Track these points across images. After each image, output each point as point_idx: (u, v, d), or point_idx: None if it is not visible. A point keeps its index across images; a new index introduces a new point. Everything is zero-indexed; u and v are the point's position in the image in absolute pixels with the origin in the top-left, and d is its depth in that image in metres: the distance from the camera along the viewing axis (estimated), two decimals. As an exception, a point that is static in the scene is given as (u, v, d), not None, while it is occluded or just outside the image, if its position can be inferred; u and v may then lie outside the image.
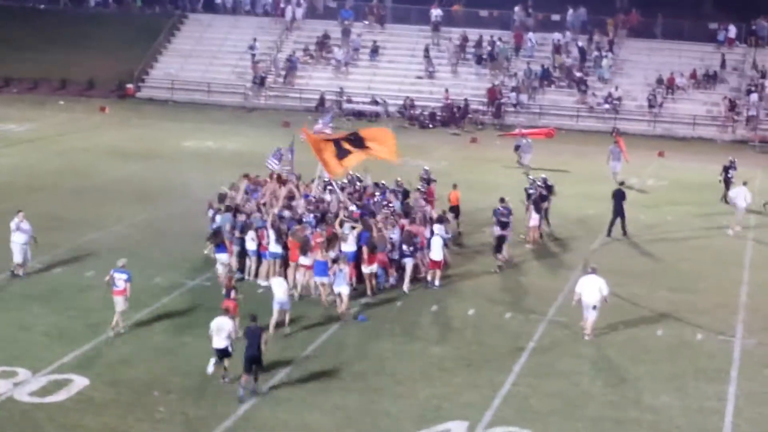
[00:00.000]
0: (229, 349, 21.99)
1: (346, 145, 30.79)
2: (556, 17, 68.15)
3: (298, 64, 65.55)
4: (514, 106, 61.26)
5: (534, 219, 33.37)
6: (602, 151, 51.14)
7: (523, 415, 20.93)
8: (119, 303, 24.47)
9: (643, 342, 25.31)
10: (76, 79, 65.62)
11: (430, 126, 58.67)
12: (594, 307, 25.00)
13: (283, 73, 65.05)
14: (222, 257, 28.26)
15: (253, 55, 66.18)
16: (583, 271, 26.95)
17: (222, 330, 21.91)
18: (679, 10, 65.89)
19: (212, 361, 22.25)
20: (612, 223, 35.11)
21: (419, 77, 64.64)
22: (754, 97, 59.73)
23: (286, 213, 29.35)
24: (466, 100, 60.71)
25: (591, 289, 25.01)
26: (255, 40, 66.97)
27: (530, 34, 66.06)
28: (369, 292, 27.92)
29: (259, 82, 64.04)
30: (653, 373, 23.35)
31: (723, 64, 62.85)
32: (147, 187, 40.18)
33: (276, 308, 24.79)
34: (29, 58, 67.17)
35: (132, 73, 65.44)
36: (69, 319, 25.20)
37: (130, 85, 65.02)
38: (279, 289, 24.97)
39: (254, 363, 21.48)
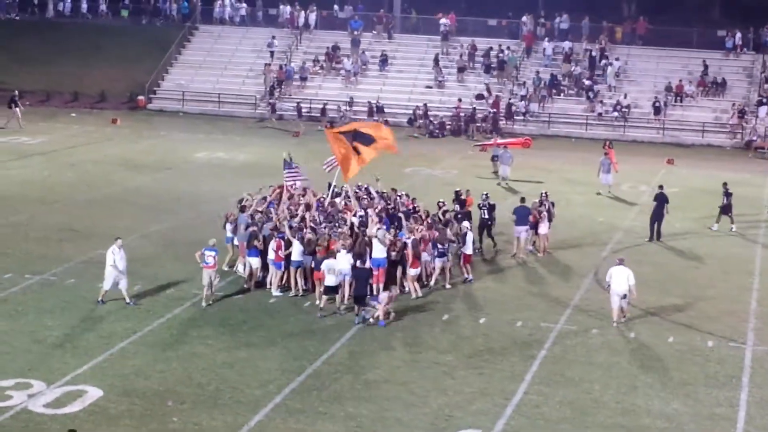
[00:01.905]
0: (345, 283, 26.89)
1: (359, 145, 31.47)
2: (564, 26, 68.40)
3: (308, 74, 65.84)
4: (524, 114, 61.37)
5: (543, 227, 33.51)
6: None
7: (534, 423, 21.00)
8: (208, 276, 27.36)
9: (653, 349, 25.37)
10: (88, 92, 66.01)
11: (440, 135, 58.76)
12: (624, 296, 26.56)
13: (272, 83, 65.17)
14: (253, 261, 28.58)
15: (272, 53, 66.79)
16: (613, 263, 27.98)
17: (332, 269, 26.67)
18: (687, 17, 65.92)
19: (323, 298, 27.02)
20: (659, 227, 35.97)
21: (428, 87, 64.79)
22: (763, 110, 59.31)
23: (295, 222, 29.57)
24: (474, 108, 60.83)
25: (620, 278, 26.62)
26: (274, 38, 67.56)
27: (545, 43, 66.23)
28: (414, 294, 28.76)
29: (269, 91, 64.20)
30: (664, 380, 23.41)
31: (705, 71, 62.76)
32: (159, 198, 40.37)
33: (346, 279, 27.24)
34: (41, 70, 67.56)
35: (143, 84, 65.76)
36: (82, 331, 25.34)
37: (141, 97, 65.35)
38: (343, 260, 27.16)
39: (361, 298, 26.40)
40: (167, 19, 74.45)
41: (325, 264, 27.04)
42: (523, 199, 34.57)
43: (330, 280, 26.95)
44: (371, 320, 26.26)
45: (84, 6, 76.10)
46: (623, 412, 21.66)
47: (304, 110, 62.86)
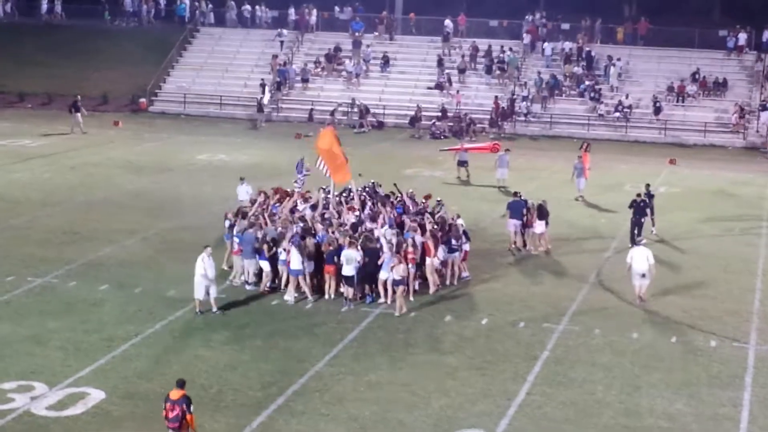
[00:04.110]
0: (355, 277, 27.48)
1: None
2: (565, 26, 68.41)
3: (309, 76, 65.91)
4: (525, 115, 61.35)
5: (539, 226, 33.51)
6: (613, 159, 51.50)
7: (537, 423, 20.97)
8: (236, 260, 29.23)
9: (656, 349, 25.33)
10: (90, 94, 65.82)
11: (442, 137, 58.60)
12: (643, 275, 28.11)
13: (271, 87, 64.90)
14: (264, 265, 28.55)
15: (281, 42, 67.44)
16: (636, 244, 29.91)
17: (351, 260, 27.35)
18: (689, 18, 65.90)
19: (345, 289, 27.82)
20: (639, 230, 35.17)
21: (429, 87, 64.76)
22: (765, 115, 59.08)
23: (296, 226, 29.54)
24: (466, 114, 60.62)
25: (640, 258, 28.12)
26: (282, 30, 68.20)
27: (546, 44, 66.26)
28: (432, 286, 29.19)
29: (276, 87, 64.10)
30: (667, 380, 23.37)
31: (697, 73, 62.65)
32: (160, 200, 40.35)
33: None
34: (43, 73, 67.66)
35: (145, 87, 65.78)
36: (84, 333, 25.32)
37: (143, 99, 65.37)
38: (354, 256, 27.66)
39: (372, 278, 27.68)
40: (142, 22, 75.25)
41: (345, 254, 27.55)
42: (516, 193, 34.64)
43: (348, 270, 27.51)
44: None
45: (45, 7, 76.78)
46: (626, 412, 21.63)
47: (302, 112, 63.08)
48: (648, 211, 35.69)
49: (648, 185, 37.24)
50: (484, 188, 43.87)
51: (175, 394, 18.55)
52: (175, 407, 18.36)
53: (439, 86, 64.39)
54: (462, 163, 46.04)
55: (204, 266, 26.59)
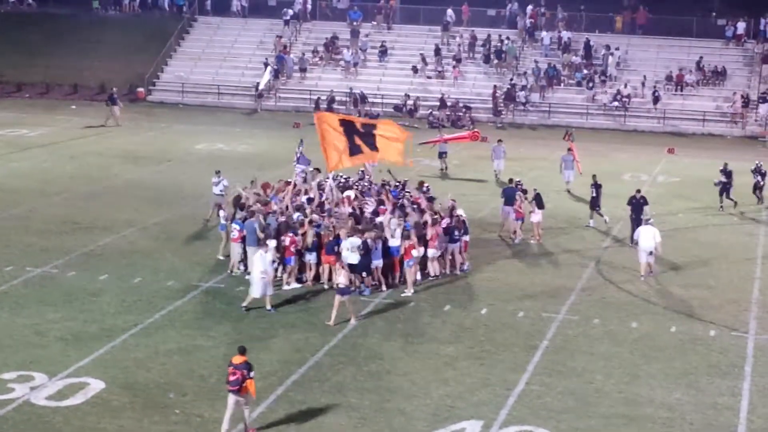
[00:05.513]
0: (358, 264, 27.35)
1: (359, 141, 30.92)
2: (563, 15, 68.25)
3: (307, 65, 65.78)
4: (524, 104, 61.30)
5: (537, 215, 33.52)
6: (611, 149, 51.45)
7: (537, 413, 21.00)
8: (235, 248, 28.89)
9: (656, 339, 25.35)
10: (88, 84, 65.91)
11: (440, 127, 58.43)
12: (650, 253, 29.58)
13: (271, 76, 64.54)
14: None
15: (286, 22, 67.59)
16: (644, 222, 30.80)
17: (354, 247, 27.32)
18: (687, 7, 65.81)
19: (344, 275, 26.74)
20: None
21: (429, 77, 64.65)
22: (764, 108, 58.98)
23: (296, 215, 29.55)
24: (463, 105, 60.51)
25: (647, 236, 29.64)
26: (288, 8, 68.74)
27: (543, 33, 66.19)
28: (432, 273, 29.54)
29: (274, 75, 63.92)
30: (666, 369, 23.40)
31: (700, 61, 62.66)
32: (159, 190, 40.31)
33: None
34: (41, 63, 67.46)
35: (143, 76, 65.63)
36: (83, 323, 25.33)
37: (140, 89, 65.22)
38: (355, 244, 27.61)
39: (365, 269, 27.66)
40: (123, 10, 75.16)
41: (349, 242, 27.48)
42: (510, 180, 34.73)
43: (353, 258, 27.37)
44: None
45: None
46: (626, 401, 21.66)
47: (307, 102, 63.01)
48: (594, 200, 35.87)
49: (594, 176, 36.53)
50: (480, 179, 43.80)
51: (237, 359, 19.37)
52: (236, 372, 19.19)
53: (414, 69, 64.44)
54: (441, 155, 45.33)
55: (264, 263, 26.21)
